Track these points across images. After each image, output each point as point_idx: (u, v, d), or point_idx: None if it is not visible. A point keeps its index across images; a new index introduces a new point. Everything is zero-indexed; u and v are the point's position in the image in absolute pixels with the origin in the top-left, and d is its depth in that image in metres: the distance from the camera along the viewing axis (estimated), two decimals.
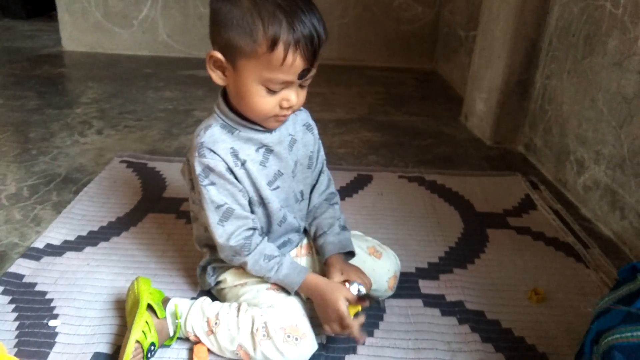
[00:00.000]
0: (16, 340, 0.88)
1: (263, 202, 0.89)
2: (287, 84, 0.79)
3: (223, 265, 0.95)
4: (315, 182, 1.01)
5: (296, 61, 0.76)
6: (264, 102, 0.80)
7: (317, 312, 0.88)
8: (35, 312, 0.95)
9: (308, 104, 2.32)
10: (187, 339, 0.90)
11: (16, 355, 0.85)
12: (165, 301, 0.91)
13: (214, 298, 0.95)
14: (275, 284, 0.90)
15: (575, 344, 0.88)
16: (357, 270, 0.92)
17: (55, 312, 0.96)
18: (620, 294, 0.71)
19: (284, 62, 0.75)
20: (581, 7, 1.47)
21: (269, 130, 0.87)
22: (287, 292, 0.90)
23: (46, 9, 3.72)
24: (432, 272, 1.14)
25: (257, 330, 0.83)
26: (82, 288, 1.03)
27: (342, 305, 0.84)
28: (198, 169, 0.84)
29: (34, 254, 1.12)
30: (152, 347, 0.85)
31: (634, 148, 1.23)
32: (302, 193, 0.96)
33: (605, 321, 0.69)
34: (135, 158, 1.61)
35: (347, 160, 1.71)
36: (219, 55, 0.79)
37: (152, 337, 0.85)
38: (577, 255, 1.21)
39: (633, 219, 1.24)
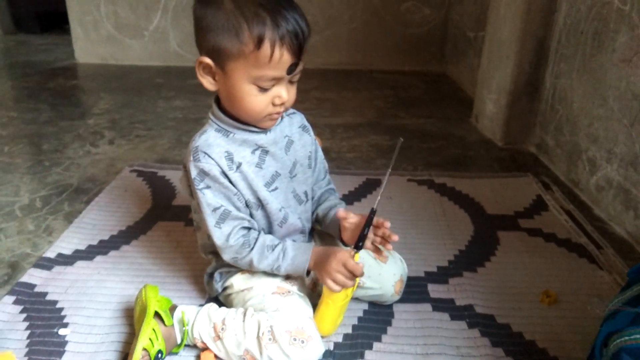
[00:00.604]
0: (27, 349, 0.89)
1: (262, 204, 0.89)
2: (277, 80, 0.81)
3: (230, 271, 0.96)
4: (316, 181, 1.02)
5: (283, 56, 0.77)
6: (256, 101, 0.82)
7: (319, 276, 0.88)
8: (45, 321, 0.96)
9: (317, 109, 2.33)
10: (194, 346, 0.90)
11: None
12: (172, 308, 0.92)
13: (222, 305, 0.95)
14: (281, 282, 0.91)
15: (587, 347, 0.86)
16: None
17: (65, 320, 0.97)
18: (630, 295, 0.70)
19: (271, 59, 0.77)
20: (589, 5, 1.45)
21: (263, 131, 0.88)
22: (293, 295, 0.90)
23: (60, 23, 3.79)
24: (441, 276, 1.13)
25: (263, 334, 0.82)
26: (92, 297, 1.04)
27: (345, 253, 0.85)
28: (193, 173, 0.85)
29: (46, 264, 1.13)
30: (160, 355, 0.85)
31: None
32: (305, 194, 0.96)
33: (615, 323, 0.68)
34: (145, 167, 1.63)
35: (356, 164, 1.71)
36: (207, 60, 0.81)
37: (160, 344, 0.85)
38: (590, 256, 1.19)
39: None
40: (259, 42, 0.75)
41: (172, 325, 0.89)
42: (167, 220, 1.33)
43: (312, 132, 1.00)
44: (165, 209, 1.38)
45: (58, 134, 1.92)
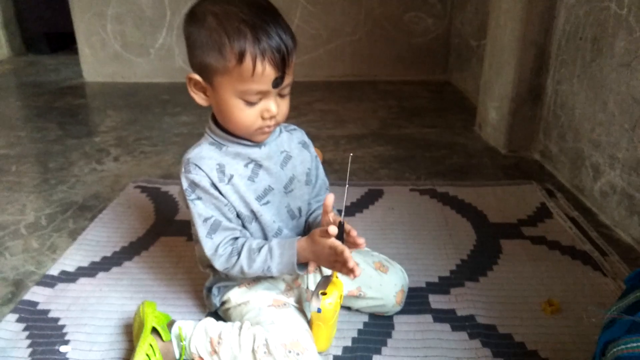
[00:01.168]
0: None
1: (255, 216, 0.90)
2: (263, 94, 0.81)
3: (227, 285, 0.96)
4: (314, 196, 1.01)
5: (266, 70, 0.78)
6: (244, 115, 0.83)
7: (324, 266, 0.87)
8: (47, 338, 0.97)
9: (321, 121, 2.34)
10: None
11: None
12: (170, 324, 0.92)
13: (221, 319, 0.95)
14: (277, 295, 0.91)
15: (590, 356, 0.85)
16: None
17: (66, 337, 0.97)
18: (627, 303, 0.68)
19: (254, 73, 0.78)
20: (586, 10, 1.44)
21: (257, 145, 0.88)
22: (289, 308, 0.90)
23: (68, 43, 3.86)
24: (442, 286, 1.12)
25: (258, 347, 0.82)
26: (94, 313, 1.04)
27: (332, 240, 0.81)
28: (185, 184, 0.87)
29: (49, 281, 1.14)
30: None
31: None
32: (299, 209, 0.96)
33: (612, 332, 0.66)
34: (149, 183, 1.65)
35: (358, 175, 1.71)
36: (196, 76, 0.83)
37: (157, 359, 0.86)
38: (595, 263, 1.18)
39: None
40: (241, 57, 0.76)
41: (170, 340, 0.89)
42: (169, 236, 1.34)
43: (312, 149, 1.00)
44: (167, 224, 1.39)
45: (65, 152, 1.95)
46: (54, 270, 1.18)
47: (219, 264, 0.88)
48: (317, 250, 0.84)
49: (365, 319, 1.01)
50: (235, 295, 0.95)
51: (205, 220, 0.87)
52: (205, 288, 1.01)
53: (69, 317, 1.03)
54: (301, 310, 0.93)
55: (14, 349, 0.94)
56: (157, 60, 3.06)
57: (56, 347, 0.95)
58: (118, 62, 3.07)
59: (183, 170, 0.87)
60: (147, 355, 0.85)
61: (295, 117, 2.29)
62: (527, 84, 1.77)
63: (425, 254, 1.24)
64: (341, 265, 0.82)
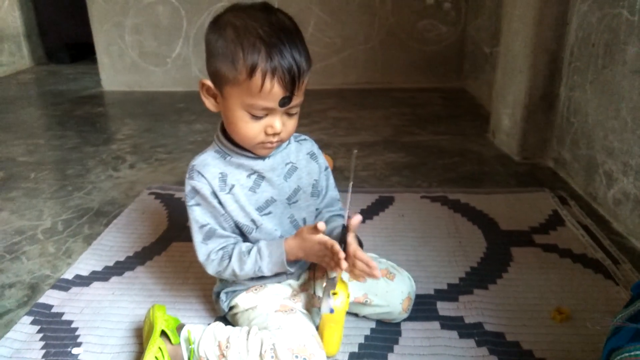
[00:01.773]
0: None
1: (256, 225, 0.91)
2: (269, 111, 0.83)
3: (235, 290, 0.97)
4: (325, 207, 1.02)
5: (274, 88, 0.79)
6: (248, 127, 0.84)
7: (315, 262, 0.89)
8: (60, 340, 0.99)
9: (333, 129, 2.35)
10: None
11: None
12: (180, 327, 0.94)
13: (229, 324, 0.97)
14: (284, 300, 0.92)
15: None
16: None
17: (79, 340, 0.99)
18: (632, 311, 0.68)
19: (262, 89, 0.79)
20: (598, 17, 1.44)
21: (261, 157, 0.89)
22: (296, 313, 0.90)
23: (88, 53, 3.94)
24: (451, 293, 1.12)
25: (265, 352, 0.83)
26: (106, 316, 1.06)
27: (320, 235, 0.84)
28: (186, 189, 0.89)
29: (63, 285, 1.17)
30: None
31: None
32: (304, 220, 0.97)
33: (617, 339, 0.66)
34: (163, 189, 1.67)
35: (369, 182, 1.71)
36: (209, 83, 0.86)
37: None
38: (607, 271, 1.16)
39: None
40: (251, 72, 0.78)
41: (179, 343, 0.91)
42: (181, 241, 1.36)
43: (321, 160, 1.01)
44: (180, 230, 1.41)
45: (82, 159, 1.99)
46: (69, 274, 1.21)
47: (211, 269, 0.91)
48: (307, 247, 0.86)
49: (373, 325, 1.02)
50: (243, 301, 0.96)
51: (202, 227, 0.89)
52: (213, 293, 1.03)
53: (81, 320, 1.06)
54: (308, 315, 0.93)
55: (28, 350, 0.97)
56: (174, 70, 3.11)
57: (69, 349, 0.97)
58: (136, 72, 3.13)
59: (187, 175, 0.90)
60: (156, 357, 0.86)
61: (307, 124, 2.31)
62: (540, 91, 1.76)
63: (435, 261, 1.24)
64: (330, 259, 0.84)
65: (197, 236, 0.90)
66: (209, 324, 0.95)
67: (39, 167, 1.92)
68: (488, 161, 1.88)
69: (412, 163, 1.88)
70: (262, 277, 0.93)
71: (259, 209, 0.91)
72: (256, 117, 0.83)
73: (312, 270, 1.02)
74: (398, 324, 1.02)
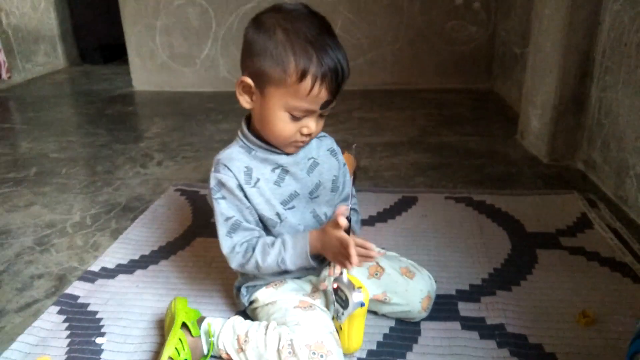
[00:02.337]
0: (65, 356, 0.95)
1: (280, 219, 0.92)
2: (309, 113, 0.85)
3: (255, 285, 0.98)
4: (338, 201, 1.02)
5: (321, 93, 0.81)
6: (286, 127, 0.86)
7: (328, 257, 0.88)
8: (85, 330, 1.02)
9: (358, 129, 2.35)
10: (220, 357, 0.92)
11: None
12: (200, 320, 0.95)
13: (249, 318, 0.97)
14: (304, 296, 0.93)
15: None
16: None
17: (103, 330, 1.02)
18: None
19: (310, 93, 0.81)
20: (631, 16, 1.40)
21: (285, 152, 0.90)
22: (315, 310, 0.91)
23: (121, 54, 4.03)
24: (473, 294, 1.10)
25: (283, 347, 0.84)
26: (129, 308, 1.09)
27: (341, 232, 0.83)
28: (212, 183, 0.90)
29: (90, 277, 1.20)
30: None
31: None
32: (326, 215, 0.98)
33: None
34: (188, 186, 1.70)
35: (393, 182, 1.70)
36: (249, 81, 0.86)
37: (186, 354, 0.88)
38: (635, 275, 1.13)
39: None
40: (302, 76, 0.80)
41: (199, 336, 0.92)
42: (205, 237, 1.37)
43: (340, 157, 1.02)
44: (204, 226, 1.43)
45: (112, 156, 2.04)
46: (95, 267, 1.24)
47: (234, 262, 0.91)
48: (326, 240, 0.86)
49: (392, 323, 1.01)
50: (263, 295, 0.97)
51: (227, 219, 0.90)
52: (234, 287, 1.04)
53: (106, 310, 1.08)
54: (327, 312, 0.93)
55: (53, 339, 0.99)
56: (203, 70, 3.16)
57: (92, 339, 0.99)
58: (166, 72, 3.19)
59: (213, 169, 0.91)
60: (176, 349, 0.87)
61: (332, 124, 2.31)
62: (571, 91, 1.72)
63: (457, 261, 1.23)
64: (343, 256, 0.84)
65: (222, 229, 0.91)
66: (229, 318, 0.96)
67: (70, 163, 1.97)
68: (515, 163, 1.85)
69: (438, 164, 1.86)
70: (285, 272, 0.94)
71: (283, 203, 0.92)
72: (296, 118, 0.85)
73: (330, 267, 1.02)
74: (418, 323, 1.01)
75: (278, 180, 0.91)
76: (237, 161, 0.90)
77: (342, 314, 0.87)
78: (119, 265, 1.25)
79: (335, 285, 0.89)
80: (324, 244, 0.87)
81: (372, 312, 1.02)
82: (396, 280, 0.99)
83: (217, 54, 3.11)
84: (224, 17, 3.01)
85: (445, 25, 2.91)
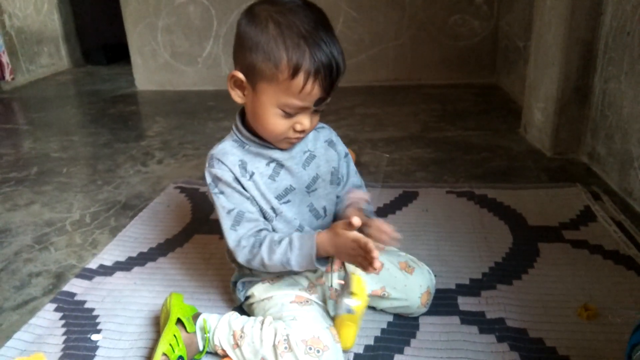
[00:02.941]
0: (61, 353, 0.94)
1: (275, 213, 0.90)
2: (302, 109, 0.82)
3: (251, 280, 0.97)
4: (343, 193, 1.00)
5: (314, 90, 0.79)
6: (278, 123, 0.84)
7: (344, 260, 0.86)
8: (81, 327, 1.02)
9: (360, 125, 2.33)
10: (216, 354, 0.92)
11: None
12: (196, 316, 0.94)
13: (245, 314, 0.96)
14: (300, 291, 0.91)
15: None
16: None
17: (99, 327, 1.01)
18: None
19: (302, 90, 0.79)
20: (634, 4, 1.37)
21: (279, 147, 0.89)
22: (311, 305, 0.90)
23: (124, 55, 4.03)
24: (473, 288, 1.08)
25: (279, 342, 0.82)
26: (126, 305, 1.08)
27: (355, 232, 0.80)
28: (208, 179, 0.89)
29: (87, 274, 1.19)
30: None
31: None
32: (324, 209, 0.96)
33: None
34: (188, 184, 1.69)
35: (394, 177, 1.69)
36: (240, 75, 0.83)
37: (180, 350, 0.87)
38: (639, 268, 1.11)
39: None
40: (295, 73, 0.77)
41: (195, 332, 0.91)
42: (203, 234, 1.37)
43: (340, 147, 1.00)
44: (202, 223, 1.43)
45: (113, 155, 2.04)
46: (93, 264, 1.23)
47: (242, 256, 0.88)
48: (339, 243, 0.81)
49: (390, 318, 1.00)
50: (259, 291, 0.96)
51: (229, 212, 0.88)
52: (231, 282, 1.03)
53: (103, 308, 1.08)
54: (324, 307, 0.92)
55: (49, 336, 0.99)
56: (204, 69, 3.15)
57: (88, 336, 0.99)
58: (167, 71, 3.19)
59: (207, 165, 0.90)
60: (171, 345, 0.87)
61: (334, 121, 2.30)
62: (574, 83, 1.70)
63: (457, 255, 1.21)
64: (363, 258, 0.79)
65: (225, 222, 0.88)
66: (225, 314, 0.95)
67: (72, 162, 1.97)
68: (518, 157, 1.83)
69: (439, 158, 1.84)
70: (291, 272, 0.92)
71: (278, 197, 0.90)
72: (288, 115, 0.82)
73: (328, 264, 1.01)
74: (416, 318, 0.99)
75: (273, 174, 0.90)
76: (230, 155, 0.88)
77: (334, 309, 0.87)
78: (116, 263, 1.25)
79: (338, 282, 0.88)
80: (337, 247, 0.82)
81: (370, 308, 1.00)
82: (395, 275, 0.97)
83: (218, 53, 3.10)
84: (225, 15, 3.00)
85: (448, 19, 2.89)
